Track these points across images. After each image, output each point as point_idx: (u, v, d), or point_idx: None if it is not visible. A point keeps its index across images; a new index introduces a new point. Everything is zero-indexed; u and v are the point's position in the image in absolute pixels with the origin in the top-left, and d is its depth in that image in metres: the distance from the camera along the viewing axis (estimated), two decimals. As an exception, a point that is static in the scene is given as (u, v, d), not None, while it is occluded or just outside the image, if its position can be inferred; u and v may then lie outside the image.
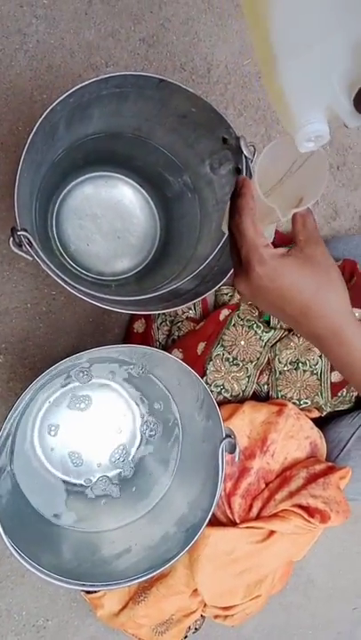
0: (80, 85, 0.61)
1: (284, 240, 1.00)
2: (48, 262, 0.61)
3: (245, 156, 0.70)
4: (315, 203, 0.99)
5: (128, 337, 0.95)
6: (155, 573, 0.70)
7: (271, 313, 0.51)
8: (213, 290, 0.76)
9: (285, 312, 0.48)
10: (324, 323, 0.47)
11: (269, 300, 0.47)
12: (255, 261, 0.46)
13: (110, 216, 0.88)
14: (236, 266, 0.48)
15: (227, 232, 0.53)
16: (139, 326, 0.93)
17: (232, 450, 0.72)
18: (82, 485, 0.83)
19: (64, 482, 0.83)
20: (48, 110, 0.60)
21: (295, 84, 0.38)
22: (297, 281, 0.46)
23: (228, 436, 0.72)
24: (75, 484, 0.83)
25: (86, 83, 0.61)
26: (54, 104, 0.61)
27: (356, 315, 0.90)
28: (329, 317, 0.47)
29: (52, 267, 0.62)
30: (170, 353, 0.87)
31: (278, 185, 0.50)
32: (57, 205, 0.84)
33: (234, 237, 0.48)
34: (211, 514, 0.71)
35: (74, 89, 0.61)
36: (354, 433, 0.89)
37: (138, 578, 0.70)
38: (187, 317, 0.92)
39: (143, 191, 0.90)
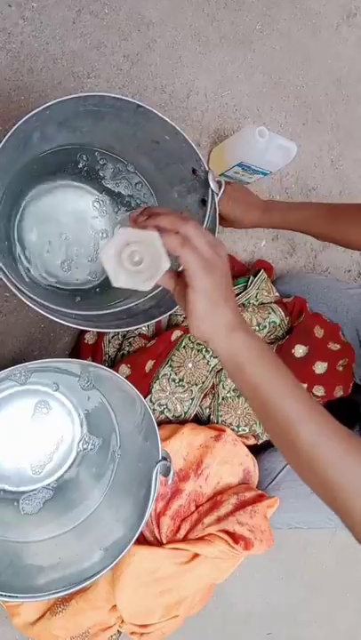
0: (58, 100, 0.62)
1: (242, 269, 1.03)
2: (6, 271, 0.61)
3: (212, 190, 0.72)
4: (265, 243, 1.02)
5: (78, 347, 0.94)
6: (76, 589, 0.70)
7: None
8: (168, 314, 0.77)
9: None
10: None
11: None
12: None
13: (74, 226, 0.88)
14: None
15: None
16: (90, 337, 0.94)
17: (166, 473, 0.73)
18: (12, 493, 0.82)
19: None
20: (22, 121, 0.60)
21: None
22: None
23: (164, 458, 0.73)
24: (5, 492, 0.82)
25: (64, 98, 0.62)
26: (29, 115, 0.61)
27: (301, 351, 0.93)
28: None
29: (8, 274, 0.62)
30: (119, 367, 0.87)
31: None
32: (21, 210, 0.84)
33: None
34: (137, 534, 0.72)
35: (51, 103, 0.61)
36: (286, 465, 0.92)
37: (58, 592, 0.69)
38: (139, 333, 0.93)
39: (108, 206, 0.91)
